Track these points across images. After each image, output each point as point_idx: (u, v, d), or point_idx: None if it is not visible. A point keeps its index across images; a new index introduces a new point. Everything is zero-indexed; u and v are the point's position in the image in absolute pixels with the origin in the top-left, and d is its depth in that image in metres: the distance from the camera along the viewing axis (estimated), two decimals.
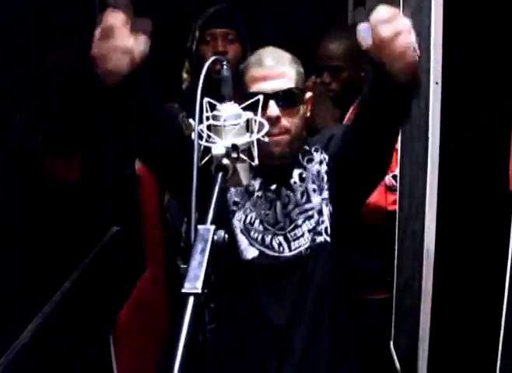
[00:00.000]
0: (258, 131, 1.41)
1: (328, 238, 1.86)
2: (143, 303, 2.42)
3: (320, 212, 1.87)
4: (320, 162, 1.90)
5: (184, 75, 2.53)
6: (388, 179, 2.45)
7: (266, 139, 1.65)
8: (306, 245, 1.85)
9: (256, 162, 1.38)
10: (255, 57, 1.83)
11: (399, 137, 2.37)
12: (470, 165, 2.38)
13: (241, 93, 1.79)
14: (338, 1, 3.84)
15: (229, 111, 1.38)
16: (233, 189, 1.89)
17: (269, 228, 1.87)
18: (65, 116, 1.87)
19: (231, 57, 2.42)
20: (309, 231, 1.86)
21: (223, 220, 1.86)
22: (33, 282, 1.65)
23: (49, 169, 1.78)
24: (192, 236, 1.09)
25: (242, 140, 1.35)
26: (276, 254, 1.86)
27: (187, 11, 3.39)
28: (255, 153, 1.37)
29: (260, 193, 1.89)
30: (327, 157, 1.89)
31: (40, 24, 1.68)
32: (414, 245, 2.15)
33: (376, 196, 2.40)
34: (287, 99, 1.78)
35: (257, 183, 1.89)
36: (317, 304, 1.88)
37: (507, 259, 1.53)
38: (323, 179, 1.88)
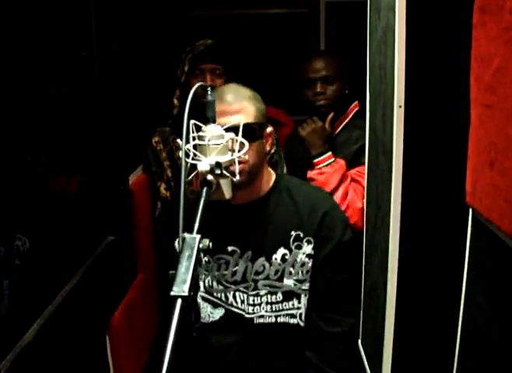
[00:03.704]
0: (239, 151, 1.43)
1: (302, 324, 1.86)
2: (136, 305, 2.42)
3: (293, 295, 1.84)
4: (308, 256, 1.83)
5: (175, 102, 2.53)
6: (364, 203, 2.46)
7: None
8: (269, 320, 1.84)
9: (237, 177, 1.40)
10: (218, 93, 1.75)
11: (366, 153, 2.39)
12: (431, 179, 2.40)
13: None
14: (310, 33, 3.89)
15: (213, 132, 1.39)
16: None
17: (228, 285, 1.85)
18: (65, 139, 1.87)
19: None
20: (267, 303, 1.83)
21: None
22: (36, 286, 1.65)
23: (52, 186, 1.79)
24: (180, 244, 1.11)
25: (224, 158, 1.37)
26: (240, 312, 1.85)
27: (177, 42, 3.43)
28: (237, 170, 1.39)
29: (206, 258, 1.84)
30: (316, 252, 1.84)
31: (43, 62, 1.70)
32: (379, 252, 2.17)
33: (354, 218, 2.43)
34: (244, 133, 1.63)
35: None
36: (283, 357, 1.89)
37: (464, 262, 1.56)
38: (307, 272, 1.84)
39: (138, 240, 2.53)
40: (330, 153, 2.55)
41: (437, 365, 2.01)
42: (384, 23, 2.00)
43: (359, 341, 2.55)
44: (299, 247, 1.82)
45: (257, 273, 1.82)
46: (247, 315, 1.84)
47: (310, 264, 1.82)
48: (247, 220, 1.85)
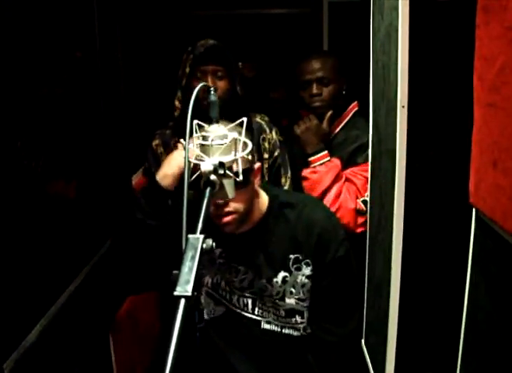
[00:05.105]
0: (243, 150, 1.43)
1: (305, 333, 1.86)
2: (139, 305, 2.43)
3: (295, 312, 1.84)
4: (308, 277, 1.81)
5: (176, 103, 2.47)
6: (358, 203, 2.45)
7: (215, 220, 1.68)
8: (274, 328, 1.85)
9: (241, 177, 1.40)
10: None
11: (369, 153, 2.39)
12: (434, 179, 2.40)
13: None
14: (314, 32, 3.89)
15: (216, 132, 1.39)
16: None
17: (235, 290, 1.85)
18: (68, 142, 1.87)
19: (220, 93, 2.36)
20: (274, 314, 1.84)
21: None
22: (40, 286, 1.65)
23: (55, 188, 1.79)
24: (183, 244, 1.11)
25: (228, 158, 1.37)
26: (241, 312, 1.86)
27: (179, 43, 3.44)
28: (240, 170, 1.39)
29: (221, 260, 1.85)
30: (314, 272, 1.81)
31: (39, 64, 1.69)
32: (383, 251, 2.17)
33: (346, 219, 2.40)
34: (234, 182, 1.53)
35: (217, 252, 1.85)
36: (279, 359, 1.89)
37: (467, 261, 1.55)
38: (308, 291, 1.82)
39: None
40: (326, 152, 2.53)
41: (441, 364, 2.01)
42: (387, 23, 2.00)
43: (363, 341, 2.55)
44: (299, 269, 1.81)
45: (261, 290, 1.83)
46: (254, 316, 1.85)
47: (309, 285, 1.82)
48: (247, 246, 1.84)
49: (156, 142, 2.49)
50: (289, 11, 3.99)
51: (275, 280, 1.81)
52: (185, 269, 1.03)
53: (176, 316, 0.97)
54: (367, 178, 2.45)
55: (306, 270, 1.81)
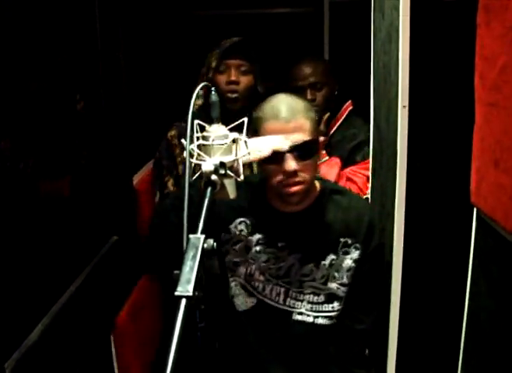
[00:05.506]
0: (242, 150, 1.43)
1: (336, 323, 1.87)
2: (141, 305, 2.42)
3: (335, 297, 1.84)
4: (355, 261, 1.83)
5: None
6: None
7: (283, 189, 1.70)
8: (307, 319, 1.85)
9: (241, 177, 1.40)
10: (271, 109, 1.69)
11: (370, 153, 2.39)
12: (435, 179, 2.40)
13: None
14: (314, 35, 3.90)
15: (217, 132, 1.39)
16: (232, 251, 1.85)
17: (270, 278, 1.84)
18: (51, 141, 1.86)
19: (243, 87, 2.38)
20: (308, 302, 1.84)
21: (224, 279, 1.86)
22: (41, 286, 1.65)
23: (57, 187, 1.78)
24: (184, 244, 1.11)
25: (229, 158, 1.37)
26: (272, 302, 1.86)
27: (180, 43, 3.44)
28: (240, 170, 1.39)
29: (258, 248, 1.84)
30: (361, 256, 1.83)
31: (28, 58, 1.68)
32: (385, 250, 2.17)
33: None
34: (303, 152, 1.66)
35: (254, 239, 1.84)
36: (311, 353, 1.91)
37: (468, 260, 1.56)
38: (351, 276, 1.84)
39: (142, 239, 2.52)
40: (323, 152, 2.55)
41: (442, 364, 2.00)
42: (388, 23, 2.00)
43: None
44: (347, 253, 1.82)
45: (303, 275, 1.83)
46: (286, 308, 1.85)
47: (354, 269, 1.83)
48: (299, 227, 1.84)
49: (171, 133, 2.49)
50: (290, 10, 3.99)
51: (322, 262, 1.82)
52: (186, 268, 1.04)
53: (177, 316, 0.97)
54: (367, 176, 2.47)
55: (355, 254, 1.83)
